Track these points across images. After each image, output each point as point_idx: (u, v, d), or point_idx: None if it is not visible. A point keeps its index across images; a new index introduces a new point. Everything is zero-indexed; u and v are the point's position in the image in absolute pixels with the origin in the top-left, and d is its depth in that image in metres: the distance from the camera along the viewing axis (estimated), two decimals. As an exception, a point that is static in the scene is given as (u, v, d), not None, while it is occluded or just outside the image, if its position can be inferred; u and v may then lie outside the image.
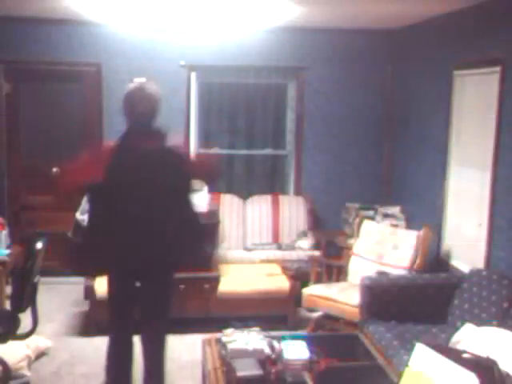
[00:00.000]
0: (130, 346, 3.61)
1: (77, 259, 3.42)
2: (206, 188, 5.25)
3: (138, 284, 3.46)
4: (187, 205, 3.40)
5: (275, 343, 3.33)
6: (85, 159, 3.32)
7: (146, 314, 3.54)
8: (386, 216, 5.71)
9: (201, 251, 3.58)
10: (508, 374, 2.90)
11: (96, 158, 3.29)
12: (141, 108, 3.31)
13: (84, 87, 5.99)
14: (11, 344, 3.84)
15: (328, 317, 4.74)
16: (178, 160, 3.37)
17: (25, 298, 3.76)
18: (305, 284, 5.00)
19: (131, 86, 3.37)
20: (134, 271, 3.36)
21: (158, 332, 3.59)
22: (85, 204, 3.89)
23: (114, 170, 3.20)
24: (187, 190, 3.41)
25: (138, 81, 3.38)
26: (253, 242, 5.96)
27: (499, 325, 3.57)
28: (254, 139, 6.49)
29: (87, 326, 4.89)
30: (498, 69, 4.30)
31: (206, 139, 6.43)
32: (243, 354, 3.24)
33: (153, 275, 3.40)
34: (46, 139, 6.08)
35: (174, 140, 3.40)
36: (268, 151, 6.52)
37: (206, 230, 3.52)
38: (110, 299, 3.56)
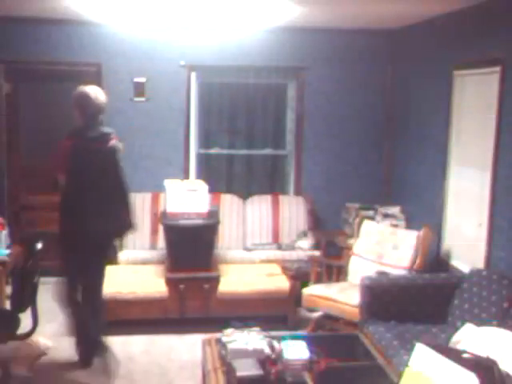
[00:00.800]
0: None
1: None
2: (205, 188, 5.27)
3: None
4: (122, 184, 4.29)
5: (275, 343, 3.33)
6: (57, 151, 4.16)
7: (89, 269, 4.29)
8: (386, 216, 5.71)
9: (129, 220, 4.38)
10: (508, 374, 2.91)
11: (61, 150, 4.12)
12: (94, 106, 4.13)
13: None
14: (11, 344, 3.84)
15: (328, 317, 4.74)
16: (115, 153, 4.22)
17: (25, 298, 3.77)
18: (305, 284, 5.00)
19: (83, 89, 4.18)
20: (88, 234, 4.14)
21: (98, 283, 4.37)
22: None
23: (74, 160, 4.10)
24: (121, 174, 4.27)
25: (87, 87, 4.22)
26: (253, 242, 5.96)
27: (499, 325, 3.57)
28: (254, 139, 6.48)
29: (87, 326, 4.89)
30: (497, 69, 4.30)
31: (206, 139, 6.43)
32: (243, 354, 3.24)
33: (100, 237, 4.23)
34: (45, 139, 6.07)
35: (113, 137, 4.22)
36: (268, 151, 6.52)
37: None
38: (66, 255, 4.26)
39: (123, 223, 4.34)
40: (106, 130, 4.25)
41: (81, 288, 4.33)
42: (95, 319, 4.34)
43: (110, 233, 4.36)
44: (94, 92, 4.18)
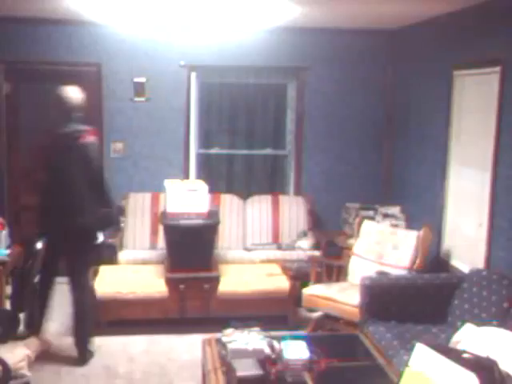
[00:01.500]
0: (50, 286, 4.44)
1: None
2: (205, 188, 5.27)
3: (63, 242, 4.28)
4: (101, 181, 4.35)
5: (275, 343, 3.34)
6: (36, 147, 4.46)
7: (70, 267, 4.37)
8: (385, 216, 5.72)
9: (109, 216, 4.46)
10: (508, 374, 2.90)
11: (36, 149, 4.40)
12: (66, 104, 4.28)
13: (84, 87, 5.99)
14: (11, 344, 3.84)
15: (328, 317, 4.74)
16: (88, 150, 4.26)
17: (25, 298, 3.77)
18: (305, 284, 5.00)
19: (59, 88, 4.33)
20: (63, 230, 4.20)
21: (79, 281, 4.36)
22: None
23: (47, 157, 4.31)
24: (96, 170, 4.34)
25: (66, 87, 4.36)
26: (253, 242, 5.96)
27: (499, 325, 3.57)
28: (254, 139, 6.49)
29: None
30: (497, 69, 4.30)
31: (206, 139, 6.44)
32: (243, 354, 3.24)
33: (75, 234, 4.23)
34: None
35: (90, 133, 4.28)
36: (268, 151, 6.52)
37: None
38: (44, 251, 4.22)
39: (102, 220, 4.35)
40: (81, 127, 4.26)
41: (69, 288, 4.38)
42: (82, 322, 4.35)
43: (87, 229, 4.30)
44: (67, 91, 4.31)
